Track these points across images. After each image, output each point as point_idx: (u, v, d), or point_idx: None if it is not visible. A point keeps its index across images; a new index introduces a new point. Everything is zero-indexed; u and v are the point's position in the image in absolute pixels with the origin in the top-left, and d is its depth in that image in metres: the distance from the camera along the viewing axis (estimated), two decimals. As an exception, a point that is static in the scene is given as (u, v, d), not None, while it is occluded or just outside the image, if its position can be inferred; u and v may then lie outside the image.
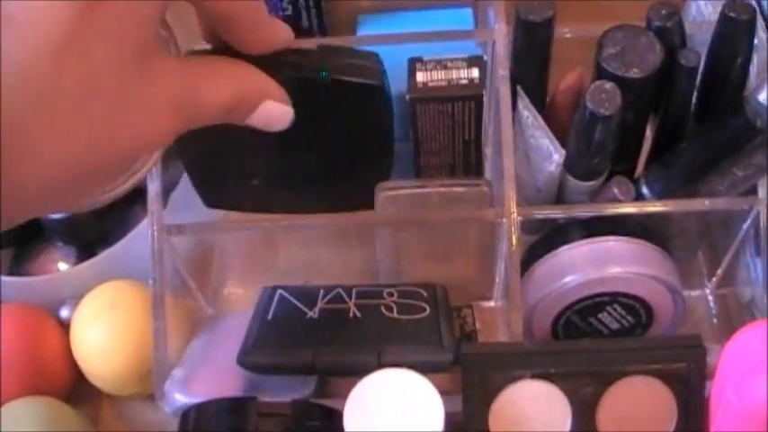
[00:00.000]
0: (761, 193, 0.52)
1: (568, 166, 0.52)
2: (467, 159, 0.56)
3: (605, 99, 0.47)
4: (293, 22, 0.58)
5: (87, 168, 0.28)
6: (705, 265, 0.61)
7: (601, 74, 0.49)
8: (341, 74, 0.47)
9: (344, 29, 0.61)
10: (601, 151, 0.49)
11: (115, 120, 0.28)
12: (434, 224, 0.55)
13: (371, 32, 0.60)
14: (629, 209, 0.52)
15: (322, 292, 0.55)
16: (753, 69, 0.52)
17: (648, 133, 0.55)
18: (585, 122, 0.48)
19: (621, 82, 0.48)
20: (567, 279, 0.52)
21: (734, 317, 0.58)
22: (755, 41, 0.51)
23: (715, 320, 0.60)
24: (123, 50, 0.28)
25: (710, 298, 0.60)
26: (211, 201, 0.56)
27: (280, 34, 0.37)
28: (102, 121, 0.28)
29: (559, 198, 0.55)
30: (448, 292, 0.56)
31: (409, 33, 0.53)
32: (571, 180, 0.52)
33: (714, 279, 0.59)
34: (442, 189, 0.55)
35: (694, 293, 0.60)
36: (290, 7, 0.57)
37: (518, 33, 0.51)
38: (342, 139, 0.52)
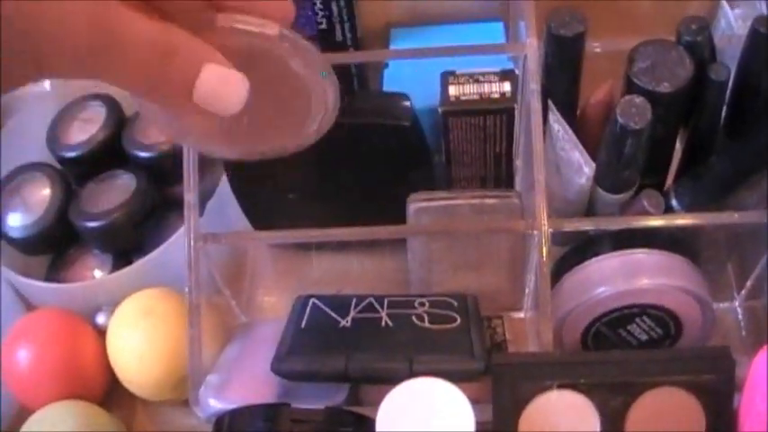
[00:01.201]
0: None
1: (598, 178, 0.52)
2: (498, 171, 0.57)
3: (635, 113, 0.47)
4: (327, 35, 0.59)
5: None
6: (734, 278, 0.61)
7: (631, 88, 0.50)
8: (374, 117, 0.50)
9: (378, 42, 0.62)
10: (631, 164, 0.50)
11: None
12: (465, 235, 0.56)
13: (404, 45, 0.61)
14: (659, 222, 0.52)
15: (354, 301, 0.56)
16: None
17: (678, 146, 0.56)
18: (616, 136, 0.48)
19: (651, 96, 0.49)
20: (597, 291, 0.52)
21: (762, 329, 0.59)
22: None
23: (744, 332, 0.60)
24: None
25: (739, 310, 0.61)
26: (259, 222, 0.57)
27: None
28: None
29: (589, 210, 0.55)
30: (479, 302, 0.57)
31: (442, 47, 0.54)
32: (601, 193, 0.53)
33: (743, 291, 0.60)
34: (473, 200, 0.56)
35: (723, 305, 0.61)
36: (324, 21, 0.58)
37: (549, 48, 0.51)
38: (378, 167, 0.54)
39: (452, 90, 0.53)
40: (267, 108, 0.33)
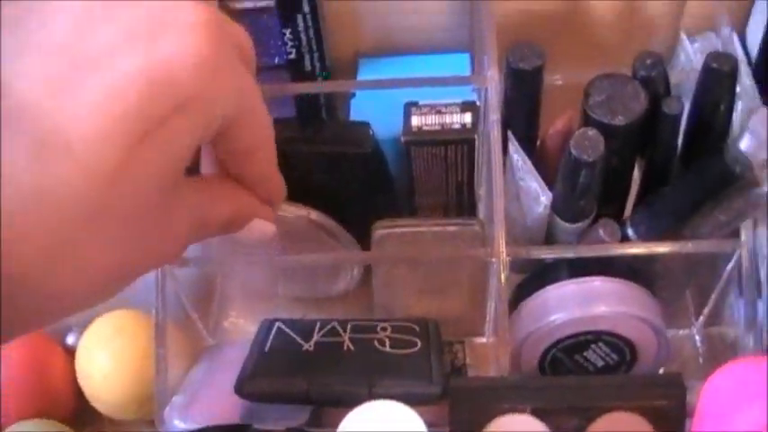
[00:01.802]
0: (743, 236, 0.54)
1: (555, 208, 0.54)
2: (461, 199, 0.58)
3: (589, 146, 0.49)
4: (297, 64, 0.60)
5: (115, 281, 0.33)
6: (693, 305, 0.62)
7: (587, 120, 0.52)
8: (337, 145, 0.54)
9: (346, 70, 0.63)
10: (585, 195, 0.51)
11: (149, 238, 0.33)
12: (427, 262, 0.57)
13: (372, 75, 0.62)
14: (614, 250, 0.53)
15: (318, 325, 0.57)
16: (736, 116, 0.54)
17: (637, 175, 0.58)
18: (570, 167, 0.50)
19: (606, 129, 0.50)
20: (554, 317, 0.53)
21: (720, 356, 0.60)
22: (739, 89, 0.53)
23: (701, 359, 0.61)
24: (163, 178, 0.32)
25: (697, 337, 0.62)
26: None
27: (280, 194, 0.43)
28: (139, 239, 0.32)
29: (549, 238, 0.56)
30: (440, 327, 0.58)
31: (406, 79, 0.56)
32: (559, 221, 0.54)
33: (701, 318, 0.61)
34: (435, 228, 0.58)
35: (682, 332, 0.62)
36: (293, 51, 0.59)
37: (509, 81, 0.53)
38: (343, 195, 0.56)
39: (415, 120, 0.54)
40: None
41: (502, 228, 0.53)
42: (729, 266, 0.56)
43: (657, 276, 0.57)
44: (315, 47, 0.60)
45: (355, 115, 0.60)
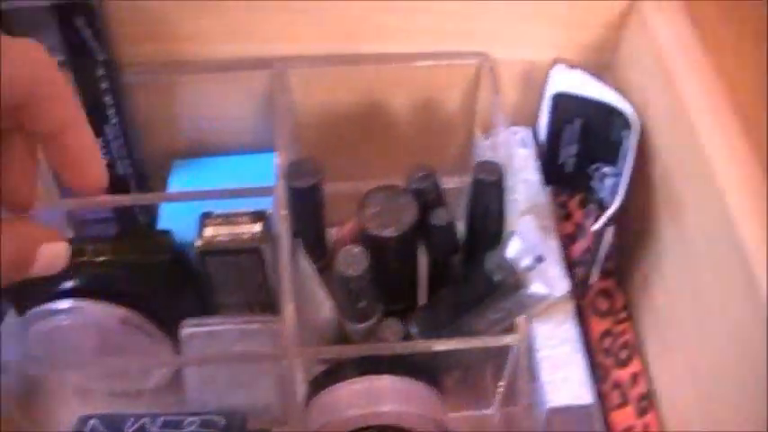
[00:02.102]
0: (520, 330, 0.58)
1: (341, 311, 0.58)
2: (263, 298, 0.62)
3: (353, 261, 0.53)
4: (109, 170, 0.63)
5: None
6: (492, 386, 0.67)
7: (363, 231, 0.56)
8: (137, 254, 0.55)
9: (161, 172, 0.67)
10: (359, 301, 0.55)
11: None
12: (227, 360, 0.61)
13: (184, 176, 0.66)
14: (396, 348, 0.57)
15: (131, 421, 0.61)
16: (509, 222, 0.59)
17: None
18: (339, 281, 0.54)
19: (378, 240, 0.55)
20: (343, 412, 0.57)
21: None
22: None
23: (503, 435, 0.66)
24: None
25: (498, 416, 0.66)
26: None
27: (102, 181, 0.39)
28: None
29: (343, 336, 0.60)
30: (246, 418, 0.61)
31: (201, 191, 0.60)
32: (347, 322, 0.58)
33: (497, 400, 0.65)
34: (240, 326, 0.61)
35: (487, 412, 0.67)
36: (106, 157, 0.63)
37: (290, 196, 0.57)
38: (152, 293, 0.60)
39: (207, 231, 0.58)
40: None
41: (291, 328, 0.56)
42: (511, 356, 0.60)
43: (448, 367, 0.62)
44: (126, 152, 0.64)
45: (165, 220, 0.63)
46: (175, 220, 0.63)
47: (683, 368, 0.56)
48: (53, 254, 0.37)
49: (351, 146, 0.67)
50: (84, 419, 0.61)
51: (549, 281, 0.55)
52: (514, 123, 0.68)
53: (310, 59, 0.63)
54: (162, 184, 0.66)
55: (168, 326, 0.63)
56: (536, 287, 0.55)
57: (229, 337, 0.61)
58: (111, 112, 0.62)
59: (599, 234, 0.57)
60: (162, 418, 0.61)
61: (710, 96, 0.54)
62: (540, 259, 0.55)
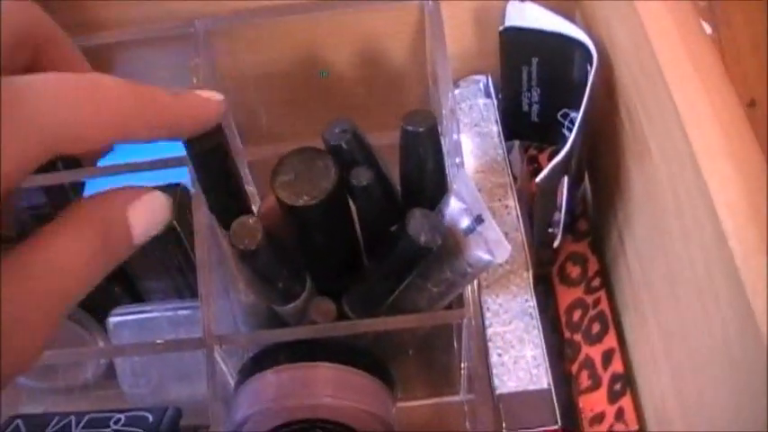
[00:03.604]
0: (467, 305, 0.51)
1: (255, 292, 0.51)
2: (187, 282, 0.56)
3: (246, 234, 0.46)
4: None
5: None
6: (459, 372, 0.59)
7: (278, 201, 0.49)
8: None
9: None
10: (273, 279, 0.49)
11: None
12: (152, 351, 0.55)
13: (115, 156, 0.60)
14: (327, 331, 0.51)
15: (56, 420, 0.56)
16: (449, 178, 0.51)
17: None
18: (239, 257, 0.47)
19: (293, 210, 0.48)
20: (271, 403, 0.51)
21: (481, 423, 0.57)
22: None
23: (468, 424, 0.58)
24: None
25: (465, 403, 0.59)
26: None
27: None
28: None
29: (275, 319, 0.54)
30: (181, 413, 0.56)
31: (110, 167, 0.54)
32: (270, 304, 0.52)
33: (462, 385, 0.58)
34: (167, 313, 0.56)
35: (455, 398, 0.59)
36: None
37: (195, 164, 0.50)
38: None
39: (116, 209, 0.52)
40: None
41: (208, 312, 0.51)
42: (465, 334, 0.52)
43: (397, 349, 0.55)
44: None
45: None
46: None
47: (658, 345, 0.48)
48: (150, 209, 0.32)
49: (296, 107, 0.60)
50: (10, 420, 0.57)
51: (491, 245, 0.47)
52: (475, 71, 0.60)
53: (233, 16, 0.57)
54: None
55: (102, 315, 0.58)
56: (477, 252, 0.47)
57: (159, 325, 0.56)
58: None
59: (547, 187, 0.49)
60: (87, 417, 0.56)
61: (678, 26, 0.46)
62: (479, 220, 0.48)
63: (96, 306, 0.57)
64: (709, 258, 0.40)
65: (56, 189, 0.60)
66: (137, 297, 0.58)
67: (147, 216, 0.32)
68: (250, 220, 0.47)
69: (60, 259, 0.29)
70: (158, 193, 0.33)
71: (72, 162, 0.61)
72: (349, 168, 0.49)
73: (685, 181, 0.42)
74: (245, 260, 0.47)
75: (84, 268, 0.30)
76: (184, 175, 0.55)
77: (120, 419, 0.55)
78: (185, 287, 0.57)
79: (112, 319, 0.56)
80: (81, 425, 0.55)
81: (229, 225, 0.52)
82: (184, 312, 0.55)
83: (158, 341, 0.55)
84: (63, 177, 0.59)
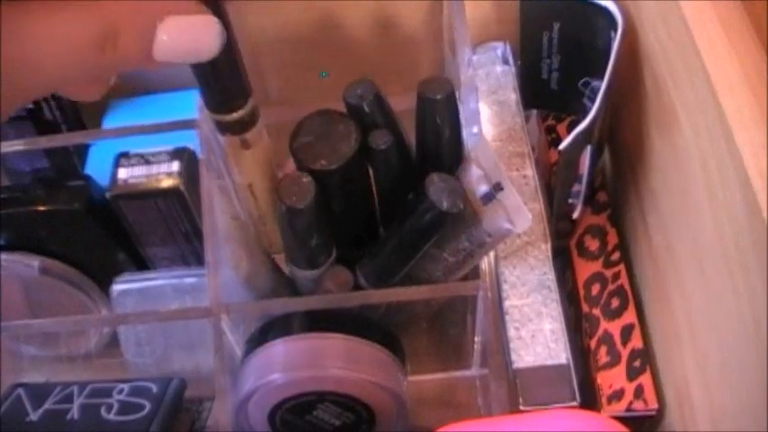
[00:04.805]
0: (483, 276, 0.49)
1: (289, 256, 0.50)
2: (196, 248, 0.55)
3: (297, 191, 0.44)
4: (37, 114, 0.57)
5: None
6: (472, 346, 0.58)
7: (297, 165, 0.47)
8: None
9: (96, 114, 0.60)
10: (307, 241, 0.47)
11: None
12: (158, 318, 0.53)
13: (119, 117, 0.59)
14: (343, 301, 0.49)
15: (57, 389, 0.54)
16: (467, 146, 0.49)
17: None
18: (283, 216, 0.45)
19: (312, 174, 0.46)
20: (274, 376, 0.49)
21: (492, 397, 0.55)
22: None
23: (479, 399, 0.57)
24: None
25: (477, 377, 0.57)
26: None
27: None
28: None
29: (294, 287, 0.53)
30: (185, 385, 0.54)
31: (115, 128, 0.52)
32: (296, 269, 0.50)
33: (476, 359, 0.56)
34: (173, 281, 0.54)
35: (468, 373, 0.58)
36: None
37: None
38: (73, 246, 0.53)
39: (122, 173, 0.51)
40: None
41: (214, 281, 0.49)
42: (480, 308, 0.51)
43: (410, 321, 0.53)
44: (50, 96, 0.57)
45: (92, 165, 0.57)
46: (103, 163, 0.56)
47: (682, 322, 0.46)
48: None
49: (311, 71, 0.58)
50: (12, 389, 0.56)
51: (511, 213, 0.46)
52: (493, 38, 0.59)
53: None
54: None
55: (106, 283, 0.56)
56: (497, 220, 0.46)
57: (164, 293, 0.54)
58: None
59: (570, 156, 0.48)
60: (90, 387, 0.54)
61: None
62: (498, 187, 0.46)
63: (99, 273, 0.56)
64: (740, 233, 0.38)
65: (59, 152, 0.59)
66: (141, 264, 0.56)
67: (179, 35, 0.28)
68: (303, 178, 0.45)
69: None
70: (211, 19, 0.29)
71: (76, 124, 0.59)
72: (368, 131, 0.48)
73: (716, 151, 0.40)
74: (288, 217, 0.45)
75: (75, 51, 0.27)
76: (192, 139, 0.53)
77: (123, 390, 0.54)
78: (191, 254, 0.55)
79: (116, 287, 0.55)
80: (83, 395, 0.54)
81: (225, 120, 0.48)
82: (190, 280, 0.54)
83: (163, 309, 0.54)
84: (67, 139, 0.57)
